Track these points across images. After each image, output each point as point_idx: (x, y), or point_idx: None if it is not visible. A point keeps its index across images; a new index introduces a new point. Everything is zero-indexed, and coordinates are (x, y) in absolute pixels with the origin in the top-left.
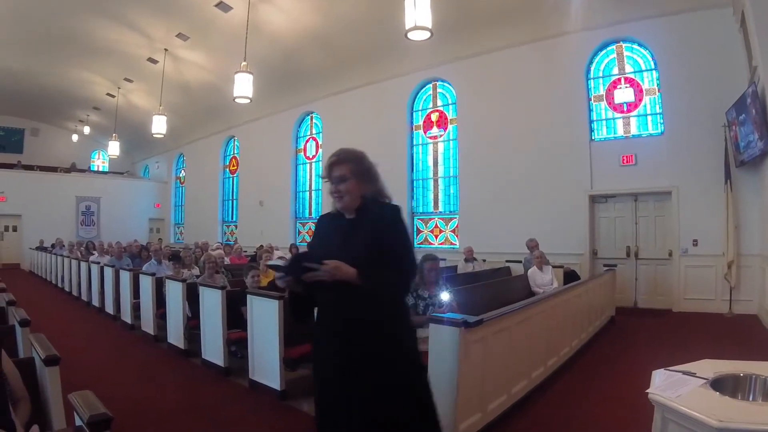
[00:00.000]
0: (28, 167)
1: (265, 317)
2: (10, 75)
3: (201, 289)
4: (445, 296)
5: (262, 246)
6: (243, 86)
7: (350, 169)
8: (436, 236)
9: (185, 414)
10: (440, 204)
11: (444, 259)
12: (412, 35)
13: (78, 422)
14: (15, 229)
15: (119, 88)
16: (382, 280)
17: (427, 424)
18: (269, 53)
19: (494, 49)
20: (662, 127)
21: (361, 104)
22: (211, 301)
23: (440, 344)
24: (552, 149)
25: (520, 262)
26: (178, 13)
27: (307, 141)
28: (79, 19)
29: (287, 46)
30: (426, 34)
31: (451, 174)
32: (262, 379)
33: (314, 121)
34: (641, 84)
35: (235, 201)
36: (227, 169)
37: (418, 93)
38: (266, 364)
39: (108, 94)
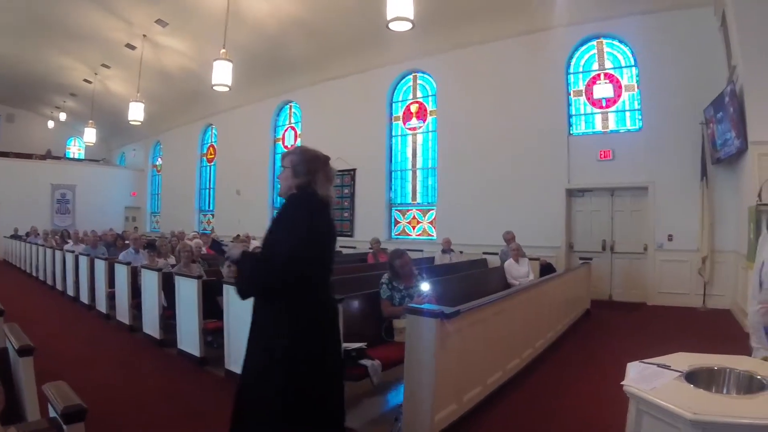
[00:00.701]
0: (3, 154)
1: (241, 307)
2: None
3: (177, 278)
4: (425, 287)
5: (239, 235)
6: (222, 74)
7: (290, 160)
8: (414, 227)
9: (161, 404)
10: (418, 195)
11: (421, 251)
12: (393, 26)
13: (52, 413)
14: None
15: (96, 74)
16: (245, 268)
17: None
18: (250, 41)
19: (476, 42)
20: (640, 123)
21: (341, 94)
22: (187, 291)
23: (418, 335)
24: (531, 143)
25: (497, 254)
26: None
27: (285, 130)
28: (56, 3)
29: (269, 34)
30: (408, 25)
31: (430, 165)
32: (238, 369)
33: (293, 110)
34: (620, 80)
35: (212, 190)
36: (204, 158)
37: (398, 84)
38: (242, 354)
39: (85, 80)
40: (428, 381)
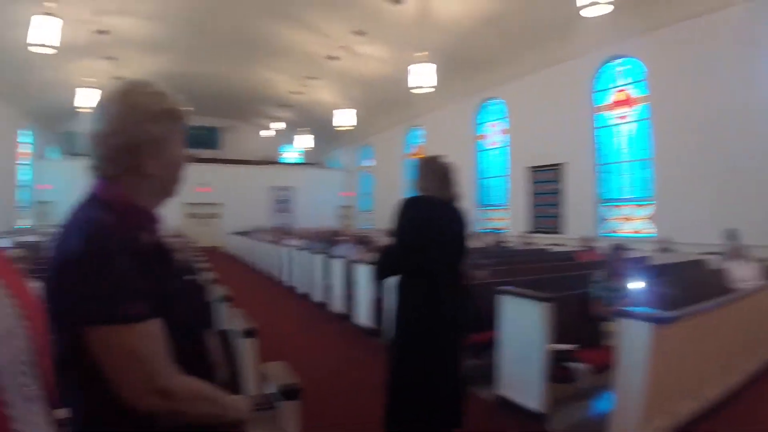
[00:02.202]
0: (226, 161)
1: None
2: (204, 78)
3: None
4: (638, 287)
5: None
6: (420, 77)
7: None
8: (625, 224)
9: (369, 391)
10: (630, 189)
11: (634, 249)
12: (587, 12)
13: (270, 390)
14: (216, 216)
15: (304, 85)
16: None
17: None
18: (444, 41)
19: (689, 16)
20: None
21: (540, 88)
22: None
23: (629, 339)
24: (759, 131)
25: (719, 253)
26: (352, 11)
27: (488, 127)
28: (262, 24)
29: (461, 32)
30: (606, 9)
31: (643, 157)
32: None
33: (495, 107)
34: None
35: None
36: (412, 158)
37: (600, 72)
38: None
39: (295, 92)
40: (639, 390)
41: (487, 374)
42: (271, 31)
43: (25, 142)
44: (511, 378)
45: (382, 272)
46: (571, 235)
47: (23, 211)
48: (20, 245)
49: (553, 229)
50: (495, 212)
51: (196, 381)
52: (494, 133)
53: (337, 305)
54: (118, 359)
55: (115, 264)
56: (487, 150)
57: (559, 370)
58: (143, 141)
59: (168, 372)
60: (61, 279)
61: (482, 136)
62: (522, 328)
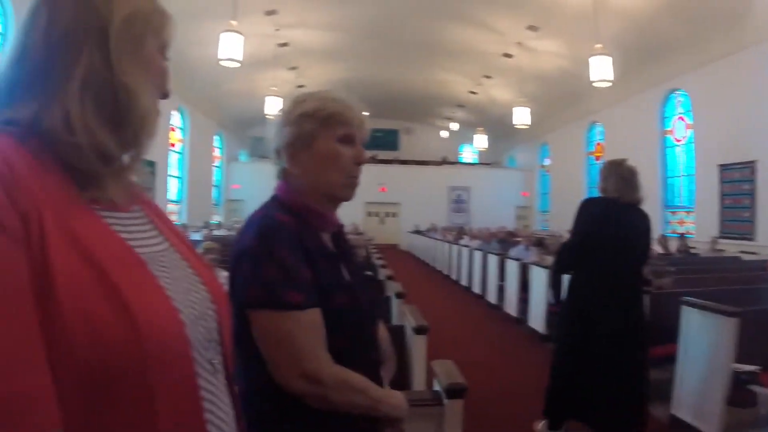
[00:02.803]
0: (404, 162)
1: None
2: (382, 83)
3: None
4: None
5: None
6: (600, 69)
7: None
8: None
9: (535, 397)
10: None
11: None
12: None
13: (436, 387)
14: (394, 215)
15: (480, 84)
16: None
17: None
18: (621, 31)
19: None
20: None
21: (726, 75)
22: None
23: None
24: None
25: None
26: (526, 6)
27: (674, 121)
28: (437, 26)
29: (639, 20)
30: None
31: None
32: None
33: (680, 98)
34: None
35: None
36: (592, 156)
37: None
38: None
39: (470, 92)
40: None
41: (663, 391)
42: (446, 32)
43: (216, 147)
44: (687, 397)
45: (558, 268)
46: (765, 243)
47: (215, 208)
48: (212, 238)
49: (745, 235)
50: (681, 215)
51: (349, 372)
52: (678, 128)
53: (511, 308)
54: (272, 342)
55: (281, 256)
56: (673, 146)
57: (739, 393)
58: (286, 144)
59: (319, 359)
60: (236, 267)
61: (669, 131)
62: (705, 344)
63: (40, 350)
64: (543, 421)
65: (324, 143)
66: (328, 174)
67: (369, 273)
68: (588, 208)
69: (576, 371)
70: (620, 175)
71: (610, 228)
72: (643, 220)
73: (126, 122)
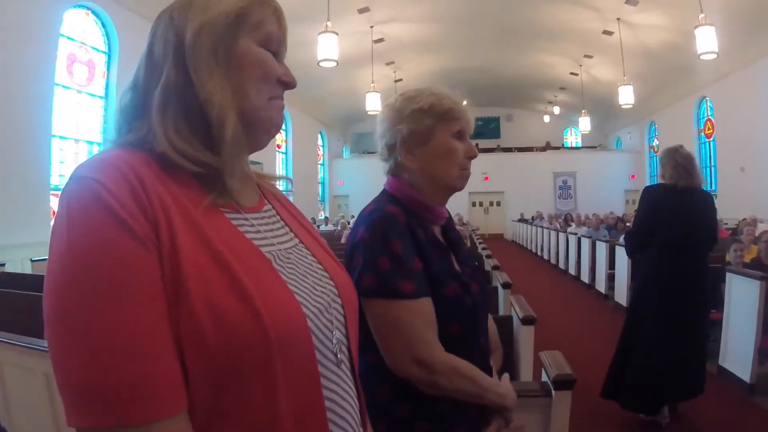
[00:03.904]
0: (506, 149)
1: (743, 298)
2: (480, 71)
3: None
4: None
5: (744, 218)
6: (706, 41)
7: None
8: None
9: None
10: None
11: None
12: None
13: (544, 378)
14: (498, 204)
15: (581, 65)
16: None
17: None
18: None
19: None
20: None
21: None
22: None
23: None
24: None
25: None
26: None
27: None
28: (531, 8)
29: None
30: None
31: None
32: (731, 366)
33: None
34: None
35: (713, 168)
36: (702, 134)
37: None
38: (739, 351)
39: (571, 73)
40: None
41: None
42: (541, 13)
43: (320, 145)
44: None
45: (629, 250)
46: None
47: (321, 204)
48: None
49: None
50: None
51: (458, 359)
52: None
53: (622, 298)
54: (385, 329)
55: (393, 247)
56: None
57: None
58: (402, 139)
59: (430, 346)
60: (351, 258)
61: None
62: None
63: (167, 337)
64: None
65: (442, 138)
66: (444, 168)
67: (476, 263)
68: (648, 195)
69: (644, 341)
70: (676, 162)
71: (668, 212)
72: (704, 202)
73: (214, 129)
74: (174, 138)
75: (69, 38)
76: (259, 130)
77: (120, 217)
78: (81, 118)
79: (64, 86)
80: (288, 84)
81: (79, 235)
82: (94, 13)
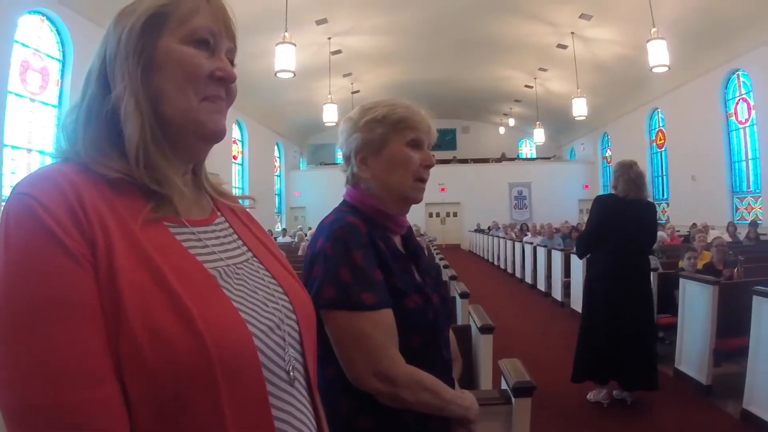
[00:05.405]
0: (463, 161)
1: (697, 303)
2: (437, 83)
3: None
4: None
5: (695, 224)
6: (657, 54)
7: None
8: None
9: None
10: None
11: None
12: None
13: (503, 386)
14: (455, 215)
15: (536, 78)
16: None
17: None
18: (678, 13)
19: None
20: None
21: None
22: None
23: None
24: None
25: None
26: None
27: (737, 103)
28: (487, 22)
29: (694, 1)
30: None
31: None
32: (687, 369)
33: (742, 79)
34: None
35: (665, 177)
36: (654, 144)
37: None
38: (694, 354)
39: (526, 86)
40: None
41: (735, 385)
42: (497, 27)
43: (276, 156)
44: (760, 392)
45: (579, 252)
46: None
47: (278, 216)
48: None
49: None
50: (749, 200)
51: (420, 372)
52: (741, 110)
53: (578, 304)
54: (345, 341)
55: (354, 258)
56: (737, 129)
57: None
58: (357, 149)
59: (392, 359)
60: (311, 268)
61: (732, 114)
62: None
63: (106, 362)
64: (594, 391)
65: (395, 147)
66: (398, 177)
67: (433, 274)
68: (598, 204)
69: (596, 337)
70: (629, 177)
71: (616, 220)
72: (647, 213)
73: (127, 138)
74: (90, 148)
75: (23, 45)
76: (191, 136)
77: (55, 236)
78: (34, 128)
79: (17, 94)
80: (224, 79)
81: (15, 254)
82: (49, 19)
